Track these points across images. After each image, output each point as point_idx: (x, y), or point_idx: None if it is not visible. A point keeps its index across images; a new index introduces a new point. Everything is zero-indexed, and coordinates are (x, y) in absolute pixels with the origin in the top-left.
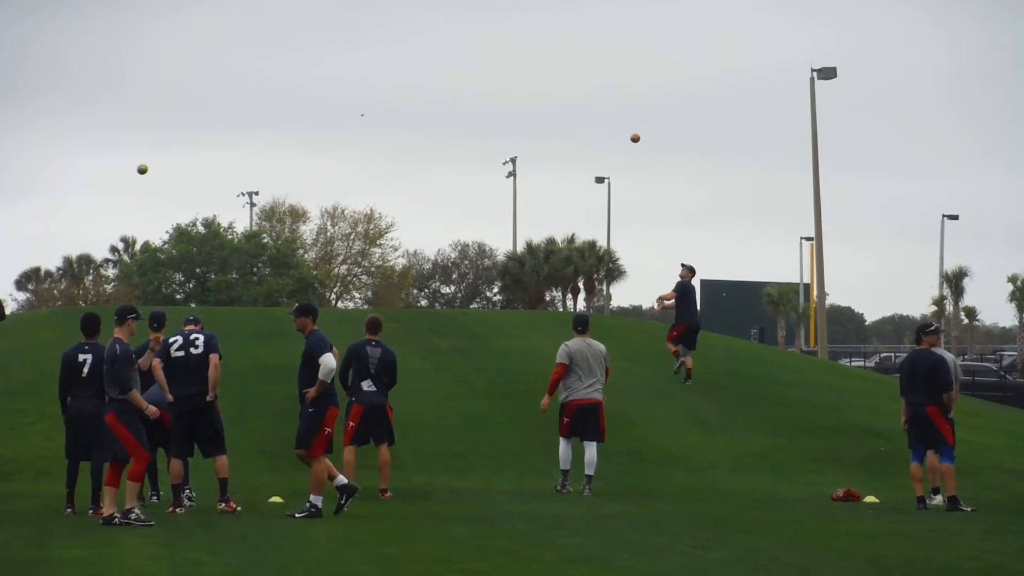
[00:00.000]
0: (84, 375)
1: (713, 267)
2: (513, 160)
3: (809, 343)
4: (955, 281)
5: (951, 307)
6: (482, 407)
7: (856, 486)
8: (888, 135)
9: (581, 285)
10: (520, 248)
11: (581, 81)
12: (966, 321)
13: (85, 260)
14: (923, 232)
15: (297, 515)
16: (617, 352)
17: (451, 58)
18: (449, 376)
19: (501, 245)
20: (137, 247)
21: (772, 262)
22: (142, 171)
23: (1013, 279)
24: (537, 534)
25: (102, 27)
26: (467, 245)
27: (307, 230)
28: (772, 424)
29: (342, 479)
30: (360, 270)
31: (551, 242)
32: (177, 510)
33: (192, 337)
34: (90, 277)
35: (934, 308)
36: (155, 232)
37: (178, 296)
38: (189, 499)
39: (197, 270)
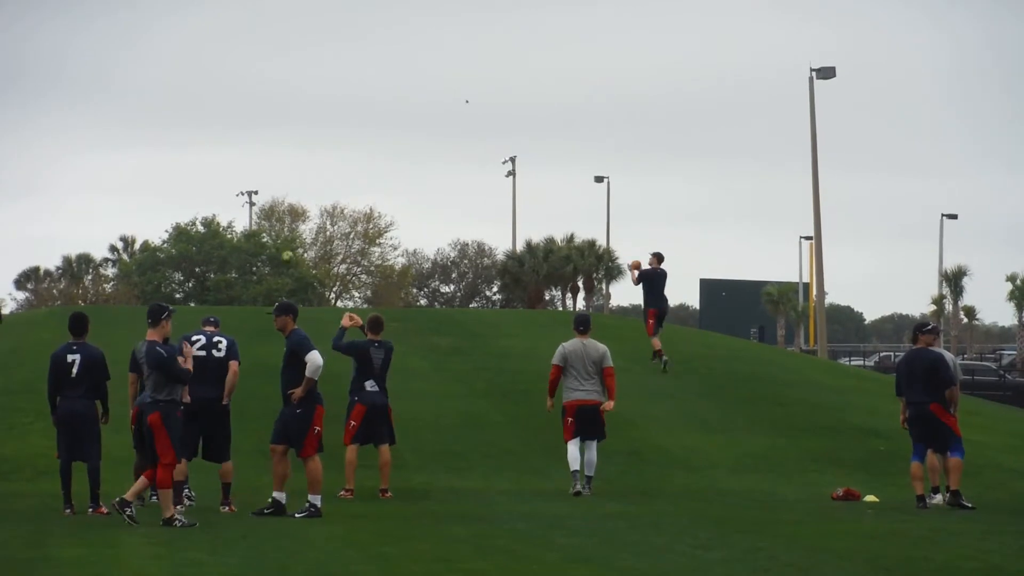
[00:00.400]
0: (73, 375)
1: (713, 266)
2: (512, 159)
3: (809, 342)
4: (954, 280)
5: (950, 306)
6: (481, 406)
7: (856, 486)
8: (887, 135)
9: (580, 284)
10: (519, 247)
11: (581, 81)
12: (965, 320)
13: (84, 259)
14: (922, 231)
15: (297, 515)
16: (616, 351)
17: (451, 58)
18: (448, 375)
19: (500, 244)
20: (136, 246)
21: (772, 261)
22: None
23: (1012, 278)
24: (537, 534)
25: (101, 27)
26: (466, 244)
27: (306, 229)
28: (771, 424)
29: (282, 495)
30: (359, 269)
31: (550, 241)
32: (177, 508)
33: (215, 339)
34: (89, 277)
35: (933, 307)
36: (154, 231)
37: (177, 295)
38: (188, 498)
39: (196, 269)
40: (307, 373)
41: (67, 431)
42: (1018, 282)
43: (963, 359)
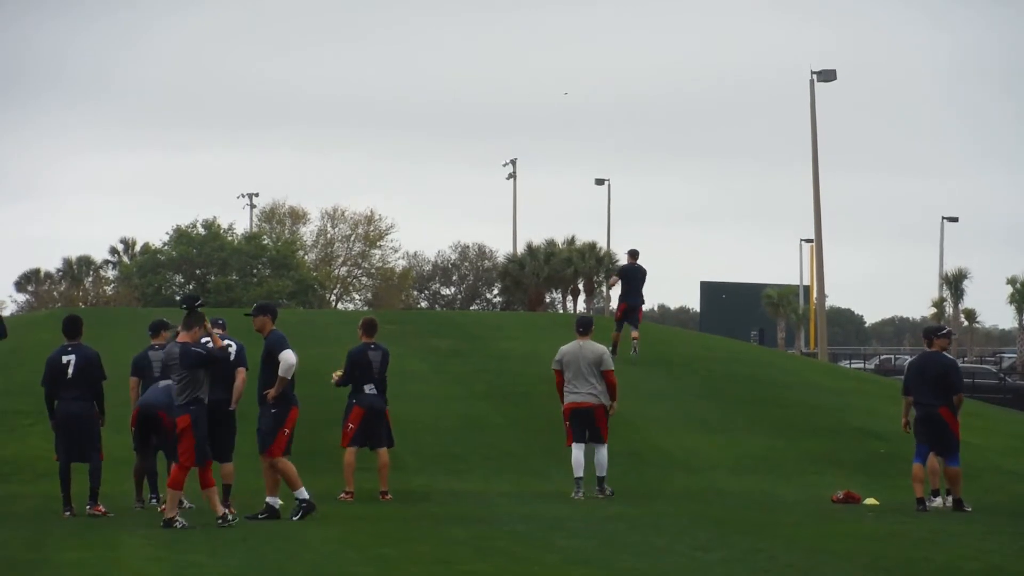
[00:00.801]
0: (69, 376)
1: (713, 269)
2: (513, 162)
3: (809, 345)
4: (955, 283)
5: (951, 309)
6: (481, 409)
7: (855, 488)
8: (888, 136)
9: (581, 287)
10: (520, 250)
11: (581, 82)
12: (966, 323)
13: (85, 261)
14: (923, 234)
15: (294, 518)
16: (617, 354)
17: (451, 58)
18: (448, 378)
19: (501, 247)
20: (137, 248)
21: (772, 264)
22: None
23: (1012, 281)
24: (537, 536)
25: (101, 27)
26: (467, 247)
27: (307, 231)
28: (771, 426)
29: (276, 500)
30: (360, 271)
31: (551, 244)
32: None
33: (225, 343)
34: (90, 279)
35: (934, 310)
36: (155, 233)
37: (178, 298)
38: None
39: (197, 271)
40: (279, 372)
41: (66, 433)
42: (1018, 285)
43: (963, 362)
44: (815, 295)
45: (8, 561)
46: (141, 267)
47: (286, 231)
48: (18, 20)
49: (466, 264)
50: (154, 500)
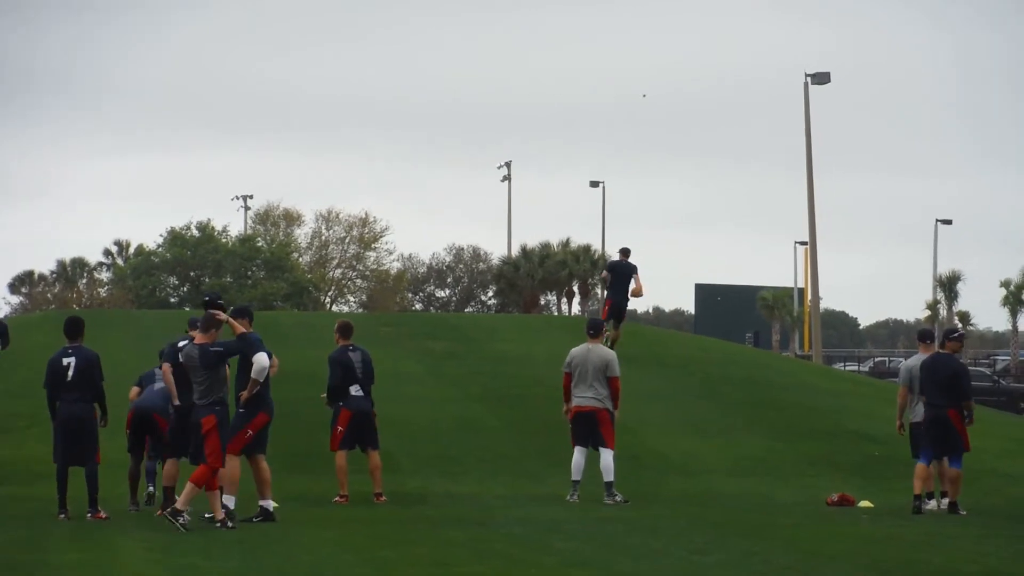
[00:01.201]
0: (69, 378)
1: (708, 271)
2: (508, 164)
3: (804, 347)
4: (949, 286)
5: (945, 312)
6: (476, 411)
7: (851, 490)
8: (883, 139)
9: (576, 289)
10: (515, 252)
11: (576, 85)
12: (960, 326)
13: (79, 263)
14: (917, 236)
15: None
16: None
17: (447, 60)
18: (443, 380)
19: (496, 249)
20: (131, 250)
21: (767, 266)
22: None
23: (1006, 283)
24: (534, 538)
25: (99, 31)
26: (462, 249)
27: (301, 234)
28: (768, 428)
29: (268, 502)
30: (355, 274)
31: (546, 246)
32: (167, 513)
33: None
34: (84, 281)
35: (928, 313)
36: (149, 235)
37: (172, 300)
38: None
39: (191, 273)
40: (252, 374)
41: (65, 434)
42: (1012, 287)
43: None
44: (810, 297)
45: (5, 563)
46: (135, 269)
47: (280, 233)
48: (17, 22)
49: (461, 266)
50: (151, 488)
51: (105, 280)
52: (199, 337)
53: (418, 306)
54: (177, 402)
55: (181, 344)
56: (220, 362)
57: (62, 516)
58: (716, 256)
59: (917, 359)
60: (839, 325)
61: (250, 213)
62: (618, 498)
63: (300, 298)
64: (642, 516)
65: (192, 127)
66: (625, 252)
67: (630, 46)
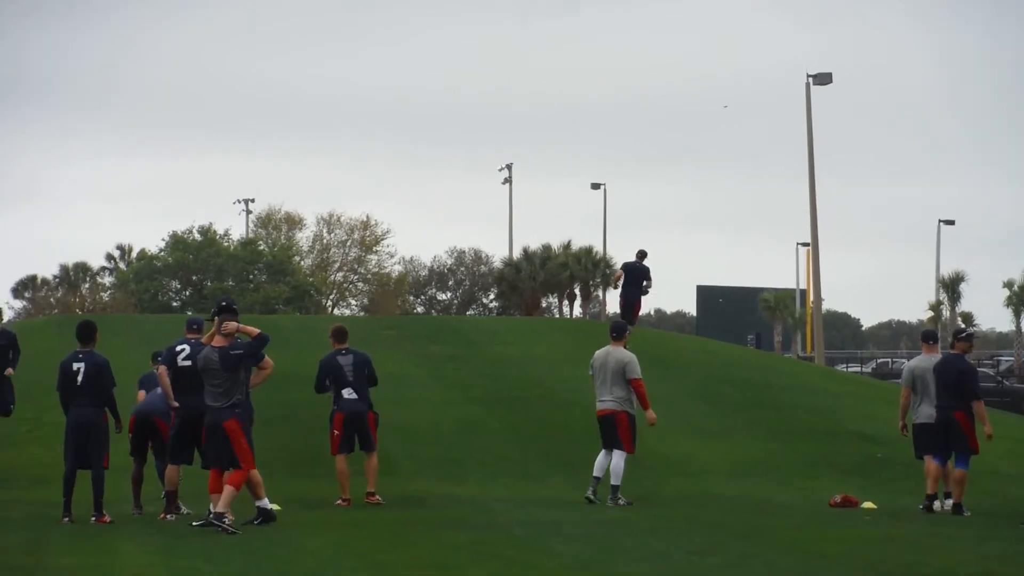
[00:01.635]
0: (79, 383)
1: (709, 273)
2: (509, 166)
3: (806, 349)
4: (952, 286)
5: (948, 312)
6: (477, 413)
7: (852, 491)
8: (885, 139)
9: (577, 292)
10: (516, 254)
11: (577, 86)
12: (963, 326)
13: (81, 268)
14: (919, 237)
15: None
16: None
17: (447, 61)
18: (444, 383)
19: (497, 251)
20: (133, 255)
21: (768, 267)
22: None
23: (1009, 284)
24: (534, 540)
25: (98, 32)
26: (463, 252)
27: (303, 237)
28: (768, 429)
29: (264, 501)
30: (356, 277)
31: (547, 248)
32: (168, 517)
33: (199, 348)
34: (87, 285)
35: (931, 314)
36: (151, 239)
37: (174, 304)
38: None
39: (193, 277)
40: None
41: (74, 438)
42: (1015, 288)
43: None
44: (812, 299)
45: (5, 566)
46: (137, 273)
47: (282, 237)
48: (16, 24)
49: (462, 269)
50: (140, 512)
51: (108, 284)
52: (217, 339)
53: (419, 309)
54: (176, 404)
55: (179, 348)
56: (240, 365)
57: (66, 519)
58: (718, 258)
59: (920, 360)
60: (841, 326)
61: (251, 217)
62: (621, 502)
63: (302, 301)
64: (642, 518)
65: (191, 128)
66: (641, 254)
67: (631, 46)
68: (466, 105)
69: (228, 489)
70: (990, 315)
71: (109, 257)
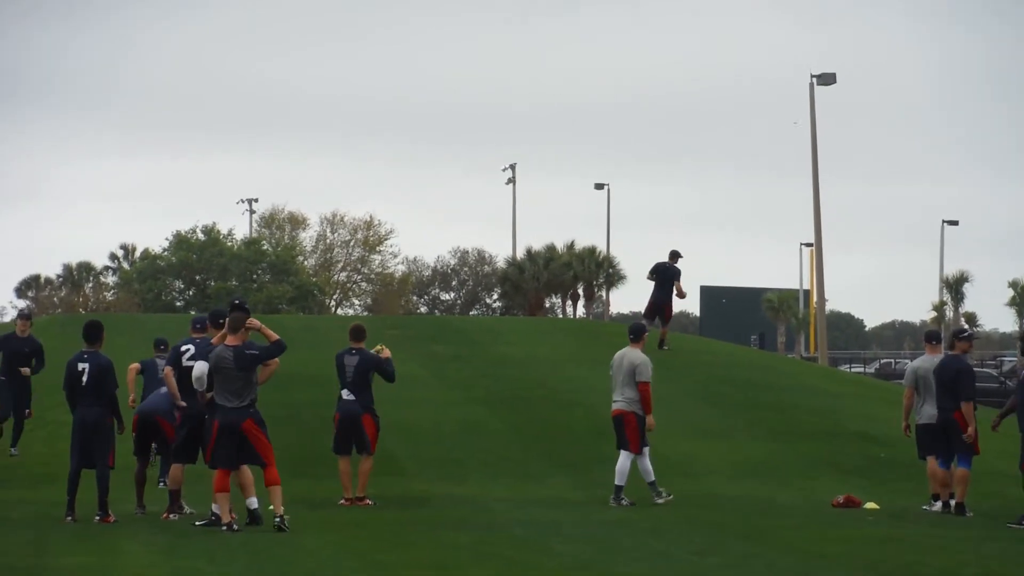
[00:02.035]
0: (83, 383)
1: (713, 273)
2: (512, 166)
3: (809, 349)
4: (955, 287)
5: (951, 313)
6: (480, 414)
7: (854, 492)
8: (888, 140)
9: (581, 292)
10: (520, 254)
11: (577, 87)
12: (967, 326)
13: (85, 267)
14: (923, 237)
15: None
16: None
17: (450, 61)
18: (447, 383)
19: (501, 251)
20: (137, 254)
21: (772, 268)
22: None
23: (1013, 284)
24: (535, 540)
25: (100, 32)
26: (467, 252)
27: (306, 237)
28: (771, 430)
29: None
30: (360, 277)
31: (551, 248)
32: (171, 516)
33: (206, 349)
34: (90, 284)
35: (934, 314)
36: (155, 239)
37: (178, 303)
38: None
39: (197, 277)
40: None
41: (79, 439)
42: (1019, 288)
43: None
44: (815, 299)
45: (7, 567)
46: (141, 273)
47: (286, 236)
48: (16, 24)
49: (465, 269)
50: (162, 484)
51: (111, 284)
52: (230, 339)
53: (423, 309)
54: (183, 404)
55: (184, 348)
56: (255, 365)
57: (69, 519)
58: (718, 258)
59: (923, 360)
60: (845, 327)
61: (255, 216)
62: (624, 502)
63: (305, 301)
64: (643, 518)
65: (191, 128)
66: (672, 255)
67: (629, 49)
68: (466, 105)
69: (275, 490)
70: (991, 315)
71: (113, 257)
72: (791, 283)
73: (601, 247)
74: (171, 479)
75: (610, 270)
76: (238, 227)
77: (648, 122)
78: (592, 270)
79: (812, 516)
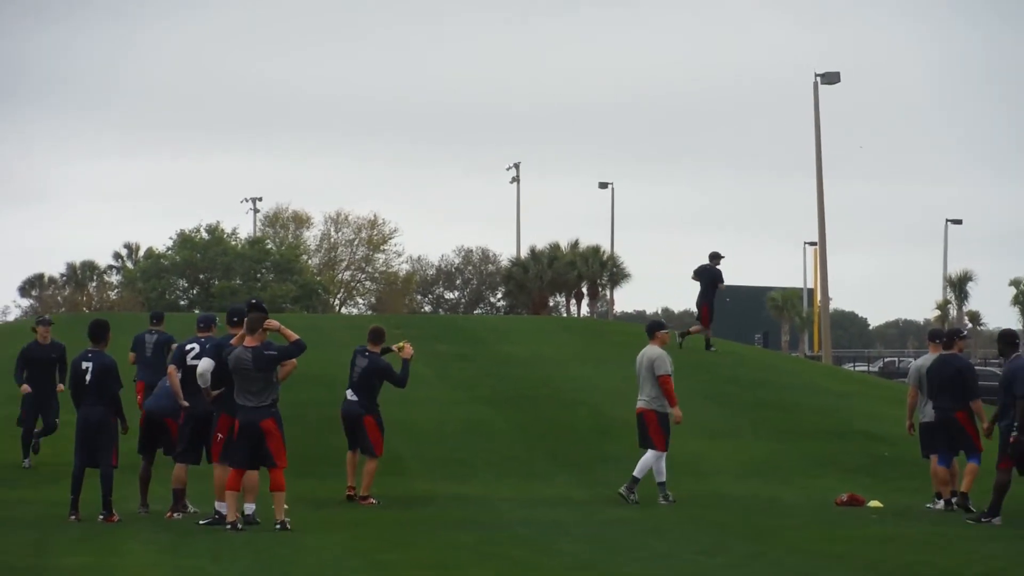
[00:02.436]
0: (87, 383)
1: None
2: (517, 166)
3: (813, 348)
4: (959, 285)
5: (955, 311)
6: (484, 413)
7: (859, 491)
8: (892, 139)
9: (585, 291)
10: (524, 253)
11: (578, 87)
12: (970, 325)
13: (89, 266)
14: (926, 236)
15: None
16: (619, 357)
17: (453, 60)
18: (451, 382)
19: (505, 250)
20: (141, 253)
21: (776, 267)
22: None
23: (1016, 283)
24: (539, 540)
25: (102, 31)
26: (471, 251)
27: (311, 236)
28: (775, 429)
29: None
30: (364, 276)
31: (555, 247)
32: (175, 515)
33: (210, 347)
34: (94, 283)
35: (938, 312)
36: (159, 238)
37: (182, 302)
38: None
39: (201, 276)
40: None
41: (83, 438)
42: (1022, 287)
43: None
44: (819, 298)
45: (9, 567)
46: (145, 272)
47: (290, 235)
48: (19, 23)
49: (470, 268)
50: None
51: (115, 283)
52: (248, 339)
53: (427, 308)
54: (186, 403)
55: (189, 347)
56: (274, 365)
57: (72, 518)
58: (725, 257)
59: (927, 359)
60: (848, 325)
61: (259, 215)
62: (633, 497)
63: (309, 300)
64: (648, 518)
65: (196, 130)
66: (713, 257)
67: (633, 48)
68: (466, 105)
69: (278, 496)
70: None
71: (117, 256)
72: (795, 282)
73: (605, 246)
74: (175, 478)
75: (614, 269)
76: (242, 226)
77: (648, 122)
78: (596, 269)
79: (816, 515)
